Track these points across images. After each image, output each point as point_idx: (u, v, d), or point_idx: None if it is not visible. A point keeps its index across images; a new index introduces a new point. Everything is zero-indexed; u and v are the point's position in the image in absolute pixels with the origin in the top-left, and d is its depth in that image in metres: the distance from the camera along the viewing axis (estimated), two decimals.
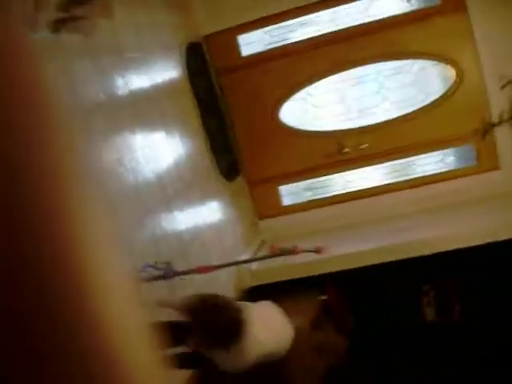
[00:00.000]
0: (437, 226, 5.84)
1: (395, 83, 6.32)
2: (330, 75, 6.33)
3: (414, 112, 6.28)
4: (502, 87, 4.90)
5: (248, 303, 3.64)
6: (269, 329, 3.52)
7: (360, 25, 6.18)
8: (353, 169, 6.51)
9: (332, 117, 6.51)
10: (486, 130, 5.58)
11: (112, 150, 4.00)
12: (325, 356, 5.24)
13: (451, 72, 6.17)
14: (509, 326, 5.96)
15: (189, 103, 5.62)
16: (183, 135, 5.29)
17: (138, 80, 4.69)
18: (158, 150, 4.74)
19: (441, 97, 6.24)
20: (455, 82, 6.16)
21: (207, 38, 6.28)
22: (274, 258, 4.36)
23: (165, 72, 5.27)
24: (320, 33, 6.27)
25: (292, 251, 3.92)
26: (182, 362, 3.52)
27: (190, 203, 5.13)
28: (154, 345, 0.43)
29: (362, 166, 6.49)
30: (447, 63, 6.13)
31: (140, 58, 4.82)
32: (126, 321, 0.41)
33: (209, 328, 3.18)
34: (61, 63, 3.56)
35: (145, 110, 4.67)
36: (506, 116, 5.02)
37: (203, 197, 5.44)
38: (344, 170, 6.53)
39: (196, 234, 5.06)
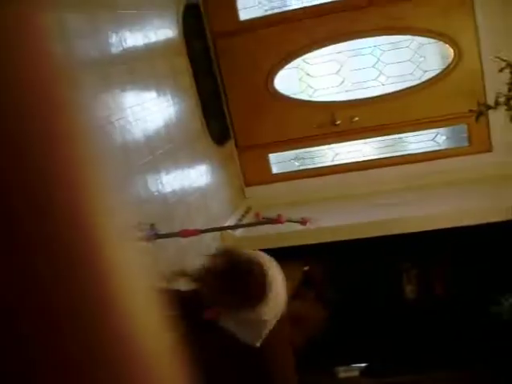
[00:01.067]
0: (423, 204, 5.84)
1: (393, 58, 6.27)
2: (327, 45, 6.26)
3: (409, 88, 6.24)
4: (500, 70, 4.87)
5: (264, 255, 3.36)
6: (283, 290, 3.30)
7: None
8: (344, 141, 6.47)
9: (326, 88, 6.45)
10: (481, 111, 5.54)
11: (101, 107, 3.95)
12: (302, 327, 5.25)
13: (450, 51, 6.12)
14: (488, 305, 6.02)
15: (183, 65, 5.55)
16: (175, 96, 5.23)
17: (132, 38, 4.62)
18: (148, 110, 4.68)
19: (437, 75, 6.20)
20: (453, 61, 6.12)
21: None
22: (258, 226, 4.36)
23: (160, 31, 5.20)
24: (321, 1, 6.20)
25: (277, 220, 3.91)
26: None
27: (178, 165, 5.09)
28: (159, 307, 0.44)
29: (353, 139, 6.45)
30: (447, 42, 6.08)
31: (135, 16, 4.75)
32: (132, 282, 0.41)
33: (236, 291, 2.91)
34: (55, 14, 3.49)
35: (137, 69, 4.61)
36: (501, 99, 4.98)
37: (191, 160, 5.40)
38: (335, 142, 6.49)
39: (182, 197, 5.03)
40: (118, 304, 0.38)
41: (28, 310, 0.34)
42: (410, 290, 6.39)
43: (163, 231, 4.03)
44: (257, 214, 4.11)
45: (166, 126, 4.98)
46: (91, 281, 0.36)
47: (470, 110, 5.53)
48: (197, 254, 4.87)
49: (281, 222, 3.95)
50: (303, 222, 4.06)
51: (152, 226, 3.95)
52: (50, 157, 0.35)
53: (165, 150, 4.84)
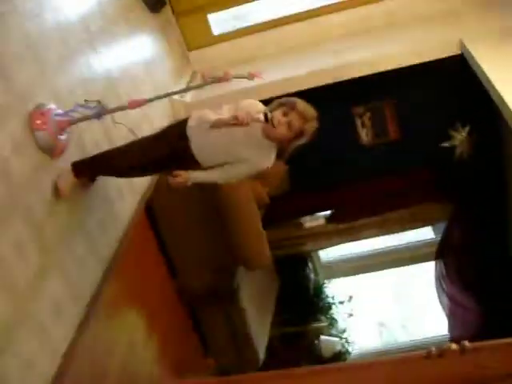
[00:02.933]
0: (371, 47, 5.79)
1: None
2: None
3: None
4: None
5: None
6: None
7: None
8: None
9: None
10: None
11: None
12: (266, 182, 5.33)
13: None
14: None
15: None
16: None
17: None
18: None
19: None
20: None
21: None
22: (206, 88, 4.31)
23: None
24: None
25: (223, 78, 3.87)
26: None
27: (116, 39, 4.96)
28: None
29: None
30: None
31: None
32: None
33: None
34: None
35: None
36: None
37: (129, 32, 5.25)
38: None
39: (125, 71, 4.94)
40: None
41: None
42: (365, 133, 6.47)
43: (111, 106, 3.98)
44: (202, 75, 4.05)
45: (98, 1, 4.82)
46: None
47: None
48: (148, 126, 4.89)
49: (227, 80, 3.91)
50: (251, 76, 4.02)
51: (99, 102, 3.89)
52: None
53: (100, 25, 4.69)
